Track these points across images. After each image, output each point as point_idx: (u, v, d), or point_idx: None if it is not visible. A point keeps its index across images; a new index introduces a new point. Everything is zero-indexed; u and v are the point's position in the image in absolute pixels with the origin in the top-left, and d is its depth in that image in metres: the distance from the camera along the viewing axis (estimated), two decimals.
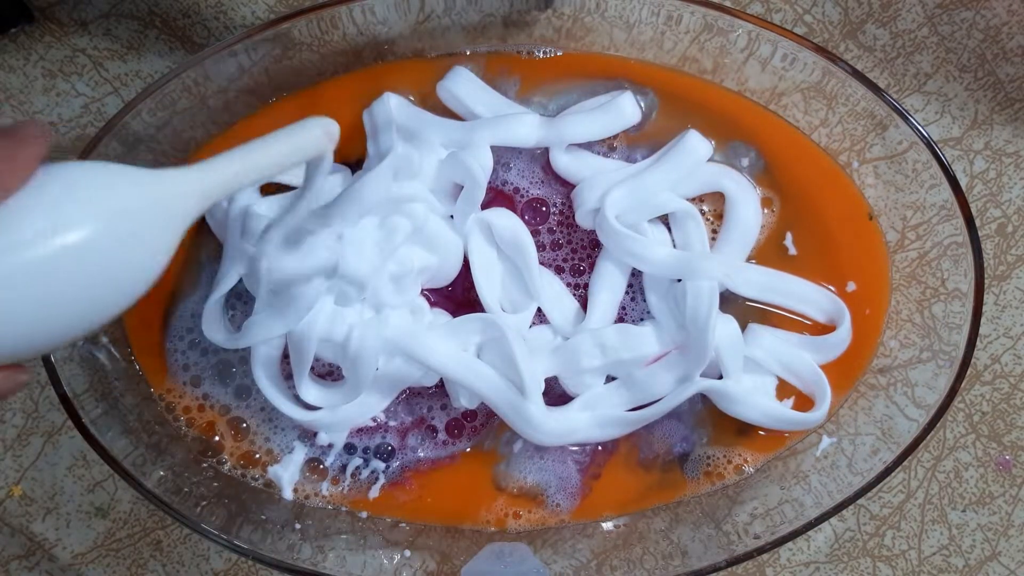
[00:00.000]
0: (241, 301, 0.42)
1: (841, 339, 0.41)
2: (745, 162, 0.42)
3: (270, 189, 0.41)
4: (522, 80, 0.42)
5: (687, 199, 0.41)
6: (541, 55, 0.42)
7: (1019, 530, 0.46)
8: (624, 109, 0.41)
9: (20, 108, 0.44)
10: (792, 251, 0.42)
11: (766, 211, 0.42)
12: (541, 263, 0.41)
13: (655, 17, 0.40)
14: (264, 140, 0.29)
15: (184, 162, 0.42)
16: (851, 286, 0.42)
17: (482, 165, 0.39)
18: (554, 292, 0.41)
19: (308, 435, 0.42)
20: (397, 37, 0.41)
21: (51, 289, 0.24)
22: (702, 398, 0.42)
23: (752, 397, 0.41)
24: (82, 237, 0.24)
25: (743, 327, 0.41)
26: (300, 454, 0.42)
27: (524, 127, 0.40)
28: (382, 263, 0.38)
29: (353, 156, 0.41)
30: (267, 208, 0.39)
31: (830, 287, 0.42)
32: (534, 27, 0.42)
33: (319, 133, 0.30)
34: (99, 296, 0.25)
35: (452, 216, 0.40)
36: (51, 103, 0.44)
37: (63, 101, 0.44)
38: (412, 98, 0.42)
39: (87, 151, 0.39)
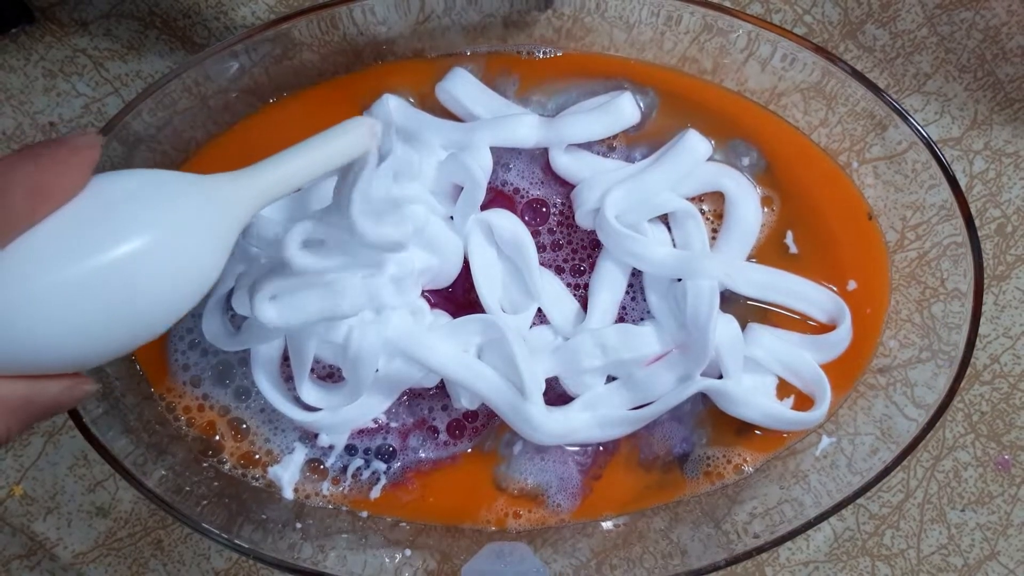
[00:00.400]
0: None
1: (841, 338, 0.41)
2: (746, 161, 0.42)
3: None
4: (521, 80, 0.42)
5: (687, 198, 0.41)
6: (541, 55, 0.42)
7: (1018, 529, 0.46)
8: (624, 109, 0.41)
9: (20, 108, 0.44)
10: (793, 249, 0.42)
11: (766, 210, 0.42)
12: (541, 263, 0.42)
13: (655, 17, 0.40)
14: (310, 143, 0.29)
15: (185, 161, 0.42)
16: (852, 284, 0.42)
17: (482, 166, 0.39)
18: (554, 292, 0.41)
19: (308, 436, 0.42)
20: (397, 37, 0.41)
21: (110, 298, 0.23)
22: (702, 400, 0.42)
23: (752, 397, 0.41)
24: (138, 246, 0.24)
25: (743, 327, 0.41)
26: (300, 455, 0.42)
27: (524, 128, 0.40)
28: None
29: None
30: (269, 209, 0.39)
31: (831, 286, 0.42)
32: (534, 27, 0.42)
33: (364, 131, 0.31)
34: (157, 305, 0.25)
35: (452, 217, 0.40)
36: (51, 103, 0.44)
37: (63, 101, 0.44)
38: (412, 99, 0.42)
39: None
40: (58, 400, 0.25)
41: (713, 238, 0.42)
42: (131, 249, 0.23)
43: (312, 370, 0.40)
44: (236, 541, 0.39)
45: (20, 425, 0.24)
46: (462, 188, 0.39)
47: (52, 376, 0.24)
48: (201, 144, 0.42)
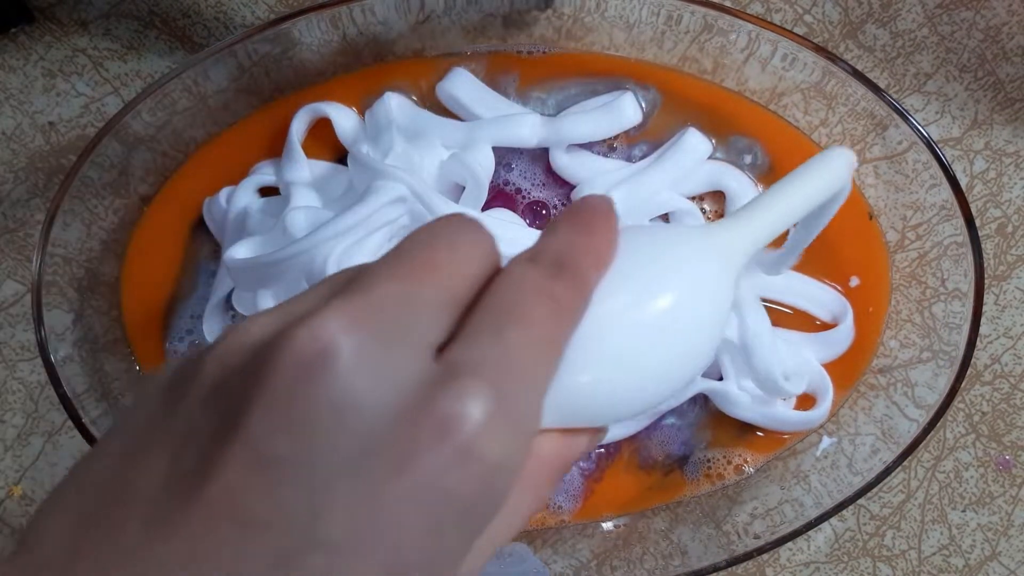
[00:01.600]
0: None
1: (843, 335, 0.41)
2: (748, 159, 0.42)
3: (271, 191, 0.41)
4: (521, 78, 0.42)
5: (688, 197, 0.41)
6: (541, 55, 0.42)
7: (1019, 530, 0.46)
8: (625, 110, 0.41)
9: (20, 108, 0.44)
10: None
11: None
12: None
13: (655, 17, 0.40)
14: (791, 182, 0.28)
15: (185, 161, 0.42)
16: (854, 281, 0.42)
17: (483, 166, 0.39)
18: None
19: None
20: (397, 37, 0.41)
21: (647, 356, 0.24)
22: (703, 403, 0.42)
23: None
24: (671, 301, 0.24)
25: None
26: None
27: (526, 127, 0.40)
28: None
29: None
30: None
31: (834, 284, 0.42)
32: (534, 27, 0.42)
33: (842, 165, 0.29)
34: (682, 359, 0.25)
35: None
36: (51, 103, 0.44)
37: (63, 101, 0.44)
38: (413, 98, 0.42)
39: (87, 151, 0.39)
40: (584, 452, 0.24)
41: None
42: (665, 304, 0.24)
43: None
44: None
45: (555, 483, 0.23)
46: (464, 188, 0.39)
47: (582, 429, 0.24)
48: (200, 144, 0.42)
